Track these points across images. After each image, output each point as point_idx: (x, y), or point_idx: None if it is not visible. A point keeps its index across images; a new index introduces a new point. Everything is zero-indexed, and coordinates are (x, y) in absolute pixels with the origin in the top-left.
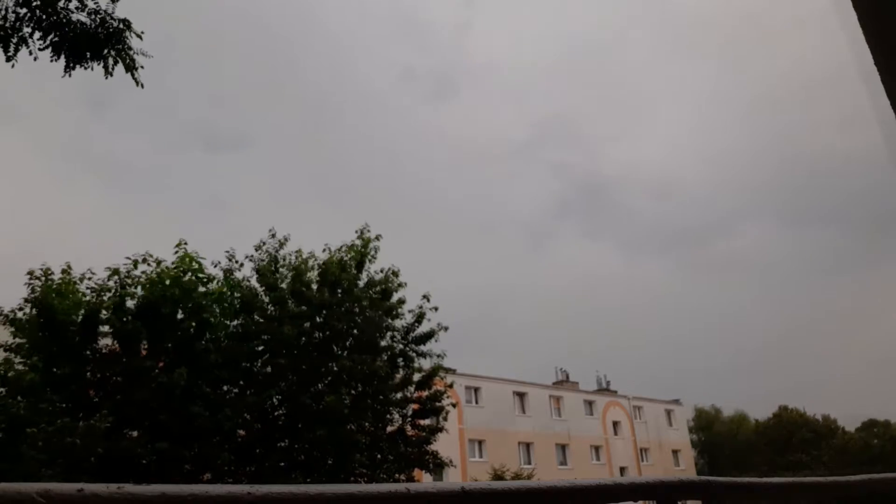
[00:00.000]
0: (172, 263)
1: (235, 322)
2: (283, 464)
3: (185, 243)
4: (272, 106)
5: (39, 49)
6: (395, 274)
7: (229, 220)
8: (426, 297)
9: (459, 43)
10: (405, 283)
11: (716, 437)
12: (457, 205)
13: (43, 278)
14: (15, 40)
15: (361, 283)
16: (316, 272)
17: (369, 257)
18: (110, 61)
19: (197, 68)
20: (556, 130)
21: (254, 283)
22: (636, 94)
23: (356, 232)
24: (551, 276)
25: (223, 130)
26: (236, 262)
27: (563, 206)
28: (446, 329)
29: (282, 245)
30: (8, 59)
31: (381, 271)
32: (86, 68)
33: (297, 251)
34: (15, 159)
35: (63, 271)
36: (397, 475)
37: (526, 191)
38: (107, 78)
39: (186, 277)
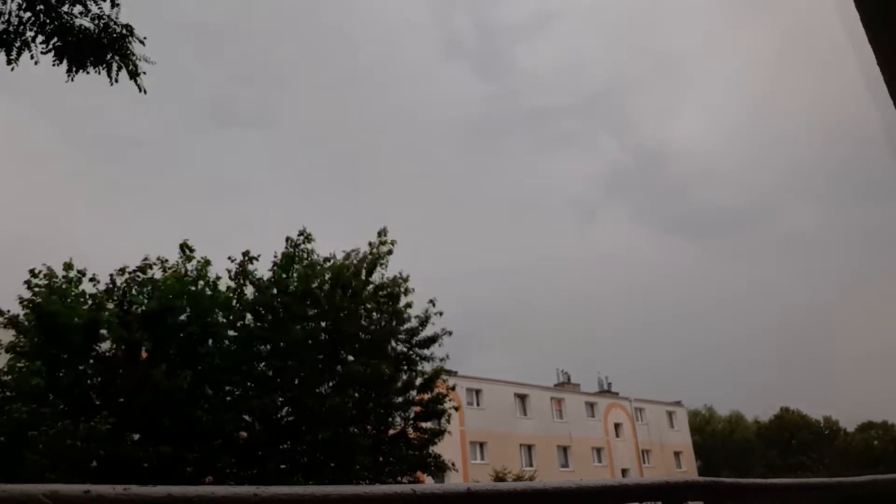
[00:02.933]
0: (190, 270)
1: (243, 323)
2: (285, 466)
3: (193, 249)
4: (296, 82)
5: (42, 53)
6: (405, 280)
7: (245, 202)
8: (432, 302)
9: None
10: (413, 289)
11: (711, 438)
12: (488, 187)
13: (45, 279)
14: (18, 44)
15: (371, 287)
16: (328, 275)
17: (381, 262)
18: (114, 67)
19: (215, 43)
20: (594, 110)
21: (269, 281)
22: (680, 64)
23: (378, 234)
24: (567, 271)
25: (242, 109)
26: (251, 260)
27: (584, 196)
28: (450, 333)
29: (307, 240)
30: (9, 63)
31: (391, 277)
32: (88, 73)
33: (310, 250)
34: (16, 134)
35: (65, 266)
36: (399, 478)
37: (558, 172)
38: (111, 84)
39: (198, 286)
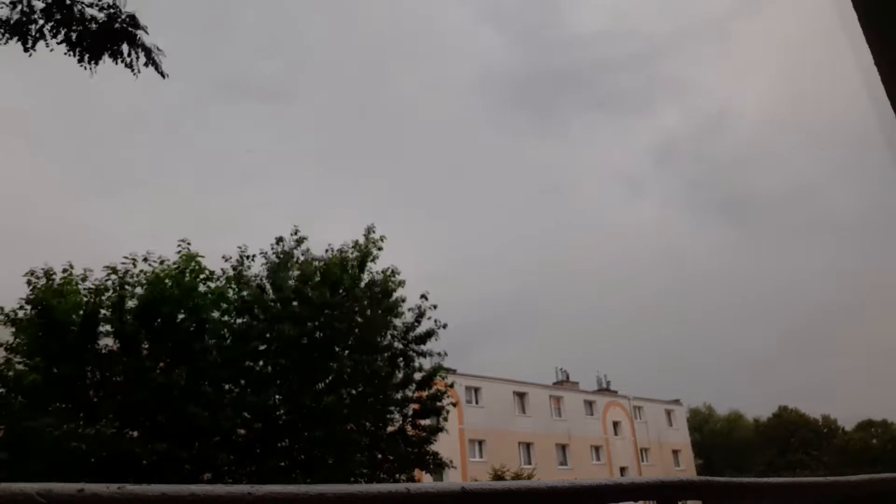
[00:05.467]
0: (174, 263)
1: (239, 321)
2: (283, 464)
3: (189, 243)
4: (318, 52)
5: (57, 43)
6: (395, 273)
7: (259, 181)
8: (424, 297)
9: None
10: (404, 282)
11: (711, 437)
12: (516, 167)
13: (43, 278)
14: (34, 34)
15: (363, 283)
16: (318, 275)
17: (372, 257)
18: (125, 55)
19: (230, 11)
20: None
21: (264, 280)
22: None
23: (366, 232)
24: (572, 264)
25: (258, 81)
26: (248, 257)
27: (595, 184)
28: (444, 326)
29: (299, 243)
30: (26, 50)
31: (382, 272)
32: (104, 63)
33: (305, 250)
34: (9, 112)
35: (64, 270)
36: (397, 475)
37: (577, 157)
38: (134, 74)
39: (187, 277)
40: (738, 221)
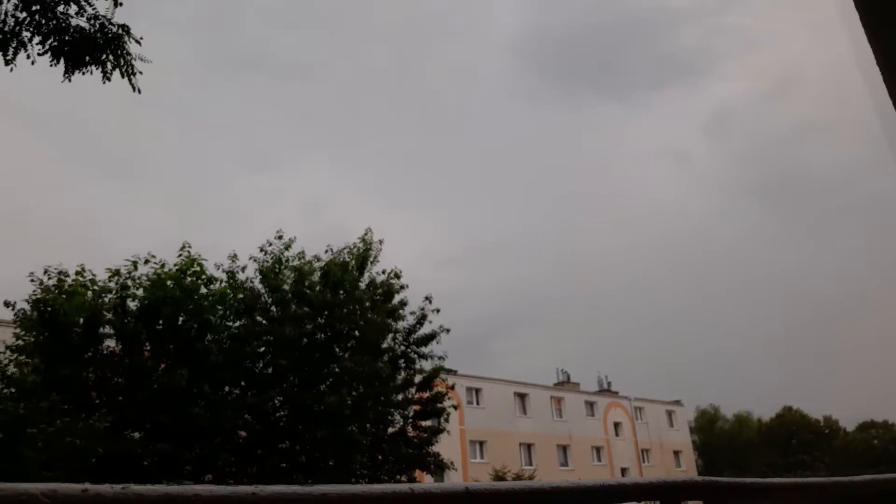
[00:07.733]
0: (175, 265)
1: (238, 323)
2: (284, 465)
3: (189, 246)
4: (341, 25)
5: (39, 54)
6: (398, 276)
7: (274, 163)
8: (428, 299)
9: None
10: (406, 286)
11: (717, 437)
12: (538, 150)
13: (53, 278)
14: (14, 44)
15: (363, 285)
16: (318, 274)
17: (371, 259)
18: (108, 66)
19: None
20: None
21: (257, 284)
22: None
23: (358, 238)
24: (575, 263)
25: (275, 57)
26: (238, 263)
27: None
28: (448, 331)
29: (287, 247)
30: (7, 63)
31: (384, 272)
32: (84, 73)
33: (296, 255)
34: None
35: (77, 273)
36: (398, 476)
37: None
38: (104, 83)
39: (188, 280)
40: (770, 205)
